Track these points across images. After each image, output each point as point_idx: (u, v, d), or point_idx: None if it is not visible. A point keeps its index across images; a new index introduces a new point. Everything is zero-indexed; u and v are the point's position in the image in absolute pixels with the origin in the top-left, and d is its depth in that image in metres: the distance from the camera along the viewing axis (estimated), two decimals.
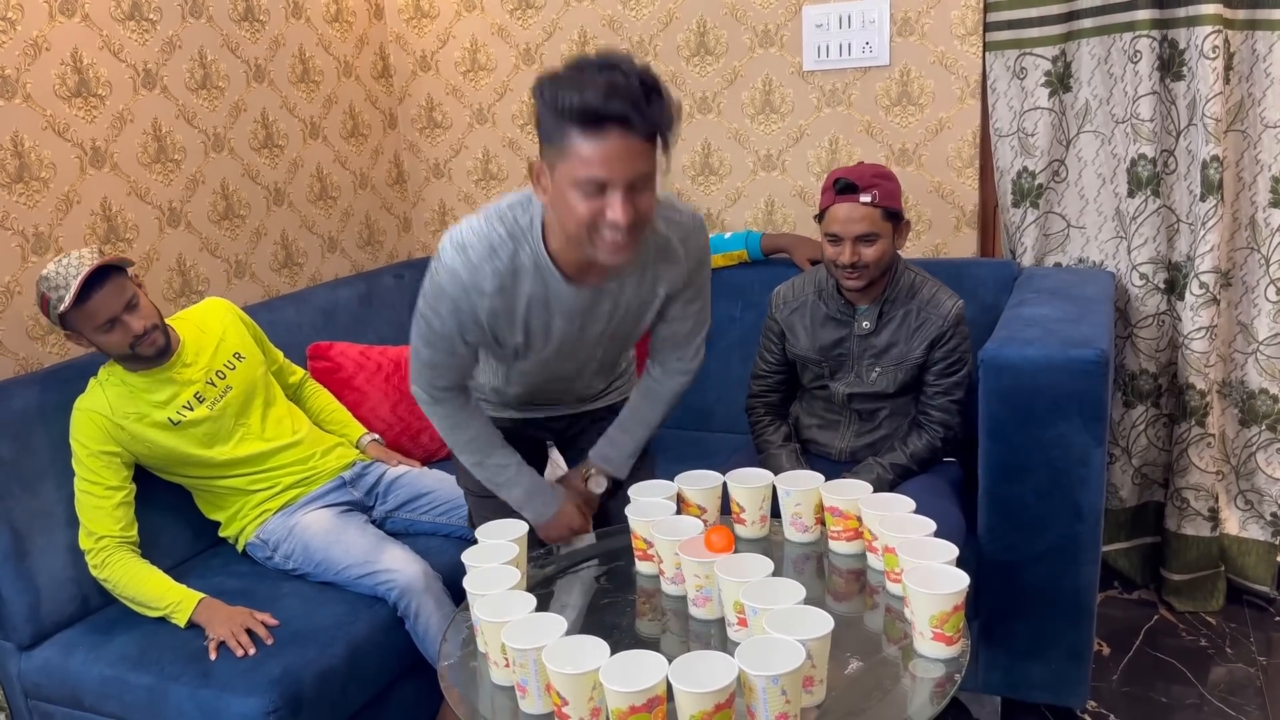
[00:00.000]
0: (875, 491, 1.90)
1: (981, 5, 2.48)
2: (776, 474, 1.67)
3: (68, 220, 2.22)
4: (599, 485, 1.83)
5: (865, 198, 2.01)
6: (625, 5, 2.79)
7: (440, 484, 2.27)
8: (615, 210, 1.36)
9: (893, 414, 2.18)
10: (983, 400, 2.00)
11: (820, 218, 2.09)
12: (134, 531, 1.98)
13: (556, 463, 2.07)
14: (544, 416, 1.92)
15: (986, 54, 2.48)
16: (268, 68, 2.70)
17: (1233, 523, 2.52)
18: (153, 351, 1.98)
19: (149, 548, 2.02)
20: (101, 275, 1.89)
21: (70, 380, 2.06)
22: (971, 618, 2.13)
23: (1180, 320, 2.40)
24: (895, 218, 2.05)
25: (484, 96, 3.06)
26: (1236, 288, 2.42)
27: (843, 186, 2.03)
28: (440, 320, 1.57)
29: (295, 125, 2.80)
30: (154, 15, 2.38)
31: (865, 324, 2.13)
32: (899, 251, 2.12)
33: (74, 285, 1.85)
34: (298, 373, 2.41)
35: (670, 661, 1.12)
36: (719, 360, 2.60)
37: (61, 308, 1.87)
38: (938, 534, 1.42)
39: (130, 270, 1.99)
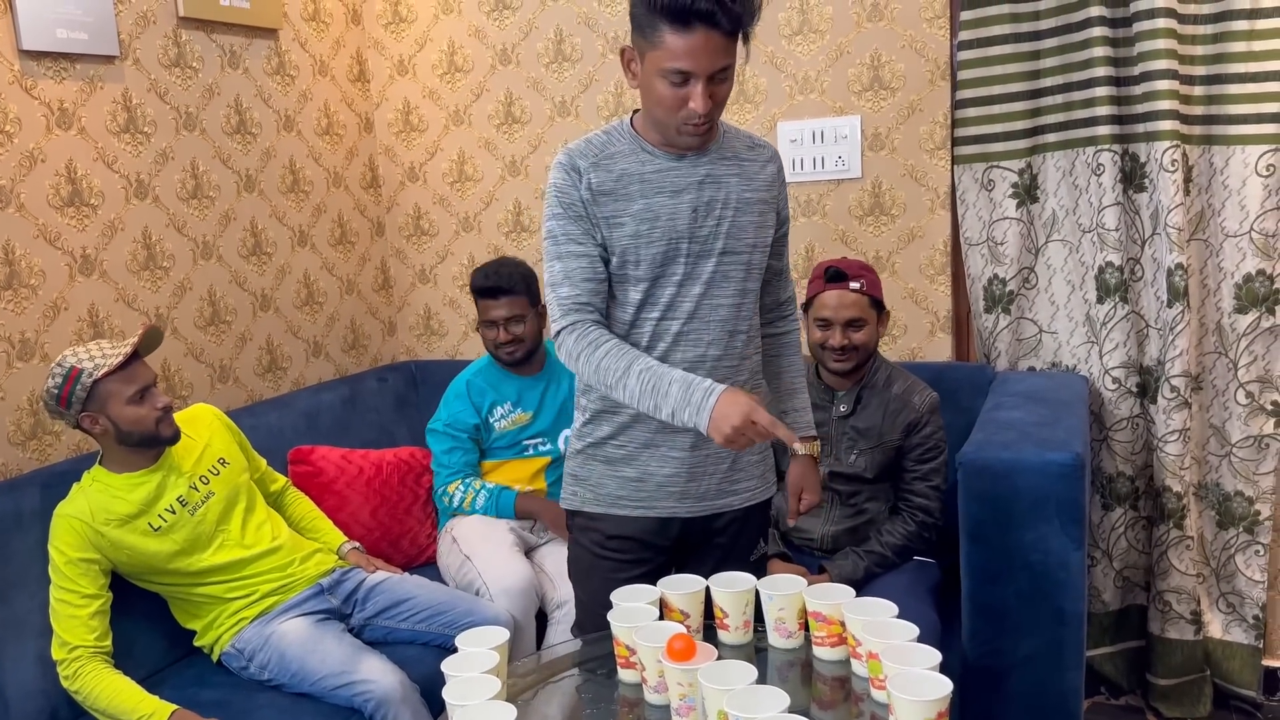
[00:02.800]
0: (850, 581, 1.91)
1: (949, 121, 2.58)
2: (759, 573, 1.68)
3: (54, 327, 2.24)
4: (815, 449, 1.89)
5: (854, 285, 2.17)
6: (613, 121, 2.89)
7: (420, 590, 2.25)
8: (696, 100, 1.54)
9: (872, 498, 2.23)
10: (962, 502, 2.02)
11: (808, 306, 2.23)
12: (108, 641, 1.94)
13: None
14: (683, 514, 1.78)
15: (955, 167, 2.58)
16: (258, 178, 2.77)
17: (1216, 626, 2.51)
18: (171, 433, 2.03)
19: (122, 657, 1.98)
20: (134, 354, 1.99)
21: (50, 486, 2.05)
22: None
23: (1154, 423, 2.44)
24: (879, 306, 2.21)
25: (470, 205, 3.14)
26: (1208, 391, 2.47)
27: (832, 275, 2.18)
28: (557, 220, 1.66)
29: (284, 233, 2.86)
30: (148, 128, 2.45)
31: (843, 407, 2.24)
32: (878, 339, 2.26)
33: (123, 350, 1.95)
34: (279, 480, 2.41)
35: None
36: None
37: (100, 373, 1.92)
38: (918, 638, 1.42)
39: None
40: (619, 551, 1.78)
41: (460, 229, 3.17)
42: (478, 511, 2.51)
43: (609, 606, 1.59)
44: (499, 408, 2.58)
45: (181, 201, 2.54)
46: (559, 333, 1.65)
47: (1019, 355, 2.62)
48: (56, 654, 1.92)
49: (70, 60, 2.26)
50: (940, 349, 2.71)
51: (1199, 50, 2.32)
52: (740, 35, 1.55)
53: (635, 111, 1.72)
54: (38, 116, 2.20)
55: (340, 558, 2.34)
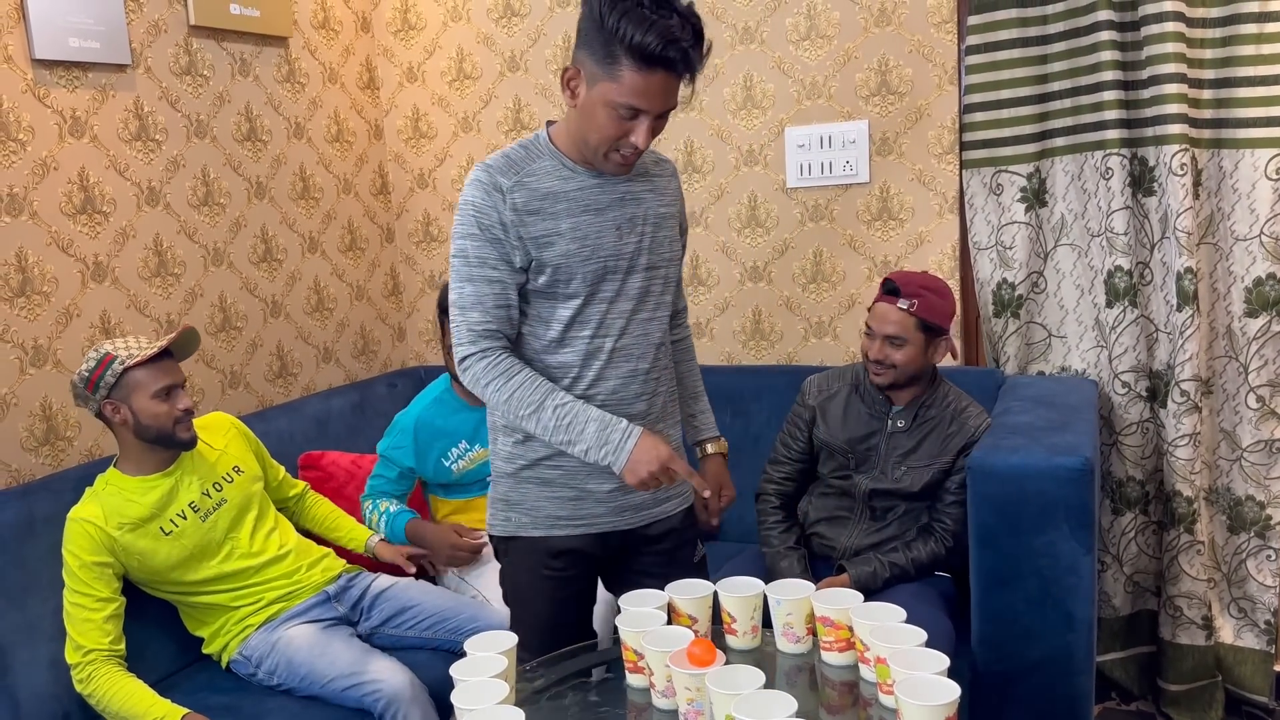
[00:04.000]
0: (865, 587, 1.90)
1: (957, 125, 2.58)
2: (779, 577, 1.68)
3: (66, 333, 2.26)
4: (724, 447, 1.96)
5: (903, 303, 2.11)
6: None
7: (425, 596, 2.26)
8: (640, 136, 1.55)
9: (905, 515, 2.21)
10: (972, 507, 2.02)
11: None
12: (122, 645, 1.96)
13: (605, 600, 2.02)
14: (622, 527, 1.78)
15: (963, 171, 2.58)
16: (269, 185, 2.78)
17: (1227, 631, 2.50)
18: (188, 436, 2.05)
19: (134, 661, 1.99)
20: (166, 353, 2.04)
21: (61, 492, 2.07)
22: None
23: (1164, 428, 2.44)
24: (931, 330, 2.13)
25: None
26: (1218, 395, 2.46)
27: (888, 288, 2.15)
28: (471, 241, 1.62)
29: (294, 240, 2.87)
30: (160, 136, 2.47)
31: (900, 423, 2.19)
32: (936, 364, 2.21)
33: (158, 344, 2.00)
34: (299, 485, 2.42)
35: None
36: None
37: (131, 362, 1.96)
38: (928, 643, 1.42)
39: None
40: (564, 569, 1.76)
41: None
42: (381, 532, 2.43)
43: (558, 625, 1.67)
44: (452, 450, 2.45)
45: (192, 208, 2.56)
46: (466, 359, 1.64)
47: (1028, 360, 2.61)
48: (70, 657, 1.93)
49: (82, 69, 2.28)
50: None
51: (1208, 54, 2.32)
52: (690, 78, 1.56)
53: (549, 123, 1.71)
54: (50, 125, 2.22)
55: (369, 550, 2.36)
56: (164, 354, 2.02)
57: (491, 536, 1.83)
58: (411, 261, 3.28)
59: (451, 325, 1.67)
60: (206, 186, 2.60)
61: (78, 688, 1.93)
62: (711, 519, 1.91)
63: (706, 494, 1.68)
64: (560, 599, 1.78)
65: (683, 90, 1.58)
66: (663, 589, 1.62)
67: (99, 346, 2.00)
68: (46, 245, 2.22)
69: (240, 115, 2.69)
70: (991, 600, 2.03)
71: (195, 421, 2.18)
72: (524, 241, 1.62)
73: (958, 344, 2.70)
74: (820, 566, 2.25)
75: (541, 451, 1.72)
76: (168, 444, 2.04)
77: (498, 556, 1.85)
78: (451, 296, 1.66)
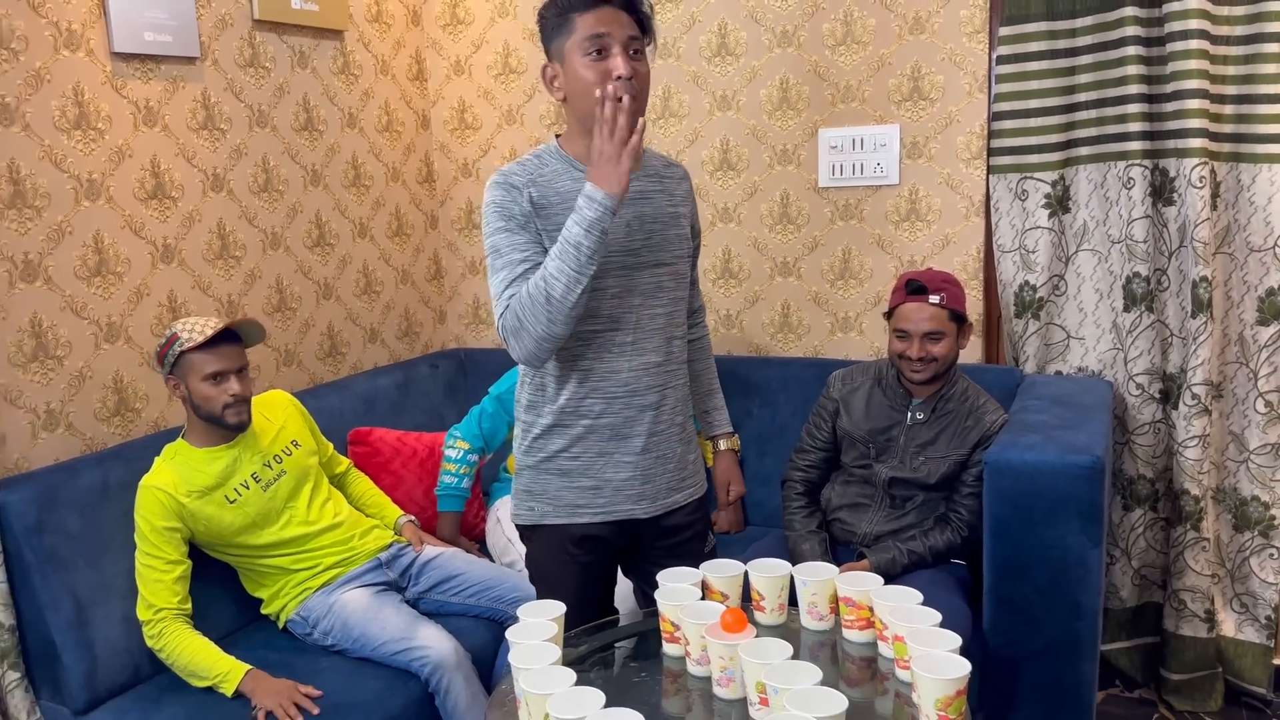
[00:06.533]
0: (885, 573, 2.02)
1: (986, 132, 2.68)
2: (801, 559, 1.80)
3: (138, 311, 2.40)
4: (736, 444, 2.12)
5: (934, 299, 2.24)
6: (656, 125, 3.01)
7: (469, 566, 2.40)
8: (617, 64, 1.64)
9: (923, 505, 2.32)
10: (987, 501, 2.14)
11: (889, 315, 2.32)
12: (189, 605, 2.10)
13: (624, 583, 2.09)
14: (640, 515, 1.87)
15: (990, 176, 2.67)
16: (323, 173, 2.92)
17: (1229, 625, 2.61)
18: (236, 421, 2.15)
19: (198, 620, 2.13)
20: (232, 336, 2.13)
21: (133, 459, 2.21)
22: (976, 710, 2.23)
23: (1175, 429, 2.54)
24: (959, 319, 2.27)
25: None
26: (1228, 399, 2.56)
27: (914, 288, 2.26)
28: (500, 234, 1.72)
29: (346, 225, 3.01)
30: (224, 125, 2.60)
31: (919, 415, 2.31)
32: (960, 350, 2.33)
33: (209, 328, 2.09)
34: (343, 463, 2.56)
35: None
36: None
37: (187, 346, 2.07)
38: (947, 625, 1.55)
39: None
40: (584, 553, 1.86)
41: None
42: (441, 483, 2.62)
43: (581, 604, 1.80)
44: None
45: (253, 194, 2.70)
46: (503, 325, 1.69)
47: (1047, 359, 2.72)
48: (142, 615, 2.08)
49: (156, 61, 2.41)
50: (971, 351, 2.81)
51: (1230, 70, 2.40)
52: (640, 26, 1.71)
53: (558, 136, 1.82)
54: (126, 114, 2.35)
55: (396, 530, 2.49)
56: (223, 340, 2.12)
57: (517, 524, 1.93)
58: (454, 247, 3.41)
59: (494, 311, 1.77)
60: (266, 174, 2.73)
61: (148, 643, 2.08)
62: (719, 509, 2.02)
63: (720, 441, 1.89)
64: (582, 581, 1.88)
65: (649, 50, 1.73)
66: None
67: (174, 323, 2.14)
68: (121, 228, 2.36)
69: (298, 106, 2.82)
70: (1003, 588, 2.15)
71: (257, 398, 2.32)
72: (541, 234, 1.73)
73: (979, 343, 2.81)
74: (841, 551, 2.38)
75: (560, 443, 1.83)
76: (218, 424, 2.16)
77: (524, 542, 1.96)
78: (491, 289, 1.76)
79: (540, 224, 1.73)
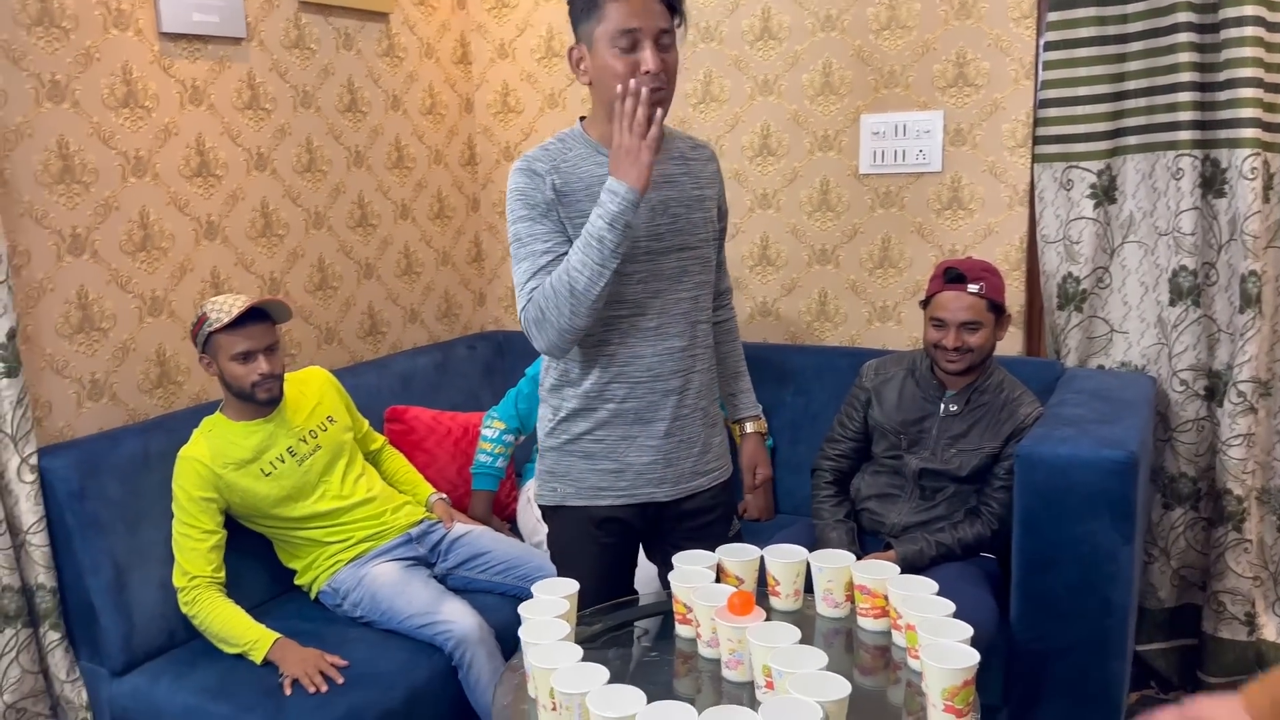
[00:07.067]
0: (912, 565, 2.00)
1: (1031, 120, 2.63)
2: (827, 546, 1.79)
3: (181, 286, 2.46)
4: (763, 426, 2.08)
5: (973, 287, 2.20)
6: (696, 109, 3.01)
7: (497, 544, 2.43)
8: (648, 59, 1.63)
9: (954, 496, 2.30)
10: (1018, 494, 2.10)
11: (926, 303, 2.29)
12: (223, 574, 2.16)
13: (645, 566, 2.08)
14: (661, 498, 1.87)
15: (1035, 165, 2.62)
16: (366, 154, 2.96)
17: (1270, 629, 2.54)
18: (267, 398, 2.20)
19: (231, 589, 2.19)
20: (261, 315, 2.16)
21: (173, 430, 2.27)
22: (1002, 704, 2.20)
23: (1219, 426, 2.48)
24: (998, 310, 2.24)
25: None
26: (1276, 397, 2.49)
27: (953, 276, 2.22)
28: (523, 222, 1.73)
29: (388, 206, 3.05)
30: (269, 105, 2.65)
31: (953, 407, 2.28)
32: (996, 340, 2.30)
33: (236, 309, 2.12)
34: (378, 440, 2.60)
35: (699, 714, 1.25)
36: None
37: (214, 327, 2.12)
38: (973, 618, 1.53)
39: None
40: (606, 536, 1.87)
41: None
42: (477, 461, 2.67)
43: (600, 585, 1.81)
44: None
45: (297, 174, 2.74)
46: (526, 317, 1.72)
47: (1089, 353, 2.66)
48: (177, 581, 2.14)
49: (203, 41, 2.46)
50: (1012, 343, 2.76)
51: None
52: (676, 17, 1.69)
53: (582, 118, 1.82)
54: (173, 93, 2.41)
55: (428, 507, 2.52)
56: (251, 319, 2.15)
57: (540, 505, 1.95)
58: (494, 230, 3.44)
59: (517, 302, 1.79)
60: (310, 154, 2.77)
61: (183, 609, 2.14)
62: (745, 492, 2.01)
63: (747, 424, 1.87)
64: (603, 562, 1.89)
65: (679, 32, 1.71)
66: None
67: (205, 303, 2.19)
68: (166, 205, 2.41)
69: (343, 87, 2.86)
70: (1032, 583, 2.12)
71: (293, 375, 2.36)
72: (564, 222, 1.73)
73: (1020, 335, 2.76)
74: (870, 541, 2.36)
75: (584, 426, 1.83)
76: (250, 400, 2.20)
77: (546, 523, 1.98)
78: (515, 277, 1.76)
79: (563, 211, 1.73)
